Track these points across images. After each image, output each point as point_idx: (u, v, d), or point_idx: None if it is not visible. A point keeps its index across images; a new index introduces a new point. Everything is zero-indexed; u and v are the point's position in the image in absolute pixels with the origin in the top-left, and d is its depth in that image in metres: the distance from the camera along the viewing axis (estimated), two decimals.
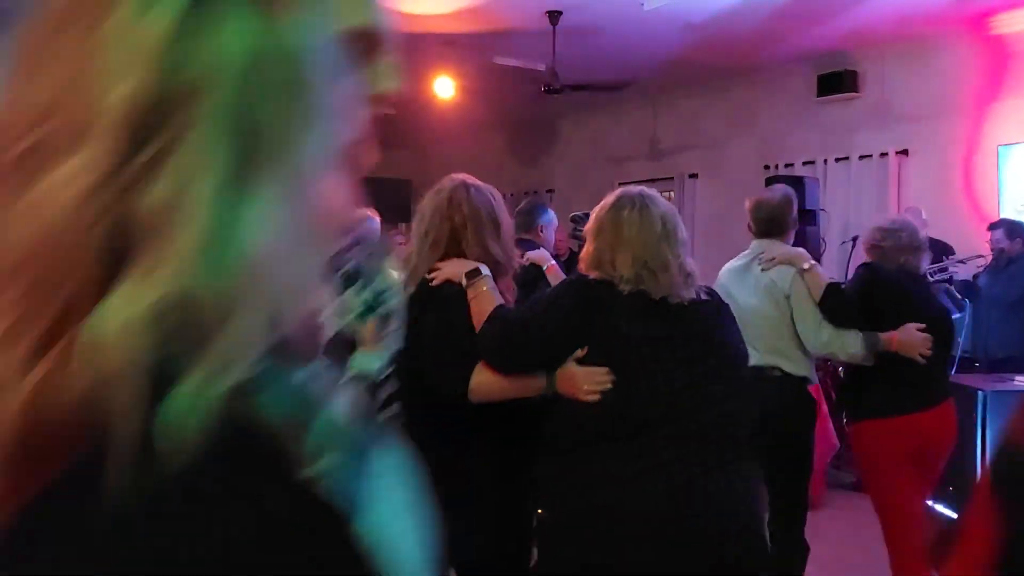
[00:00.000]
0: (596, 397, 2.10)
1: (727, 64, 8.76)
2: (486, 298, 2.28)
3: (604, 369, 2.12)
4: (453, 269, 2.35)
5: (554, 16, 7.01)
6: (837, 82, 8.20)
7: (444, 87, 8.93)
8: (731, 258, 4.28)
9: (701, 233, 9.87)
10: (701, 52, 8.24)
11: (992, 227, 6.13)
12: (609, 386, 2.11)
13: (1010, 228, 6.01)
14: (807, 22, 7.24)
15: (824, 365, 6.81)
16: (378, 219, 4.40)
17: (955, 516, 4.63)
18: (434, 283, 2.34)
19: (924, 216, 6.65)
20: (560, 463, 2.18)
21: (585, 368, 2.15)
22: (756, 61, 8.63)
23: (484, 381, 2.20)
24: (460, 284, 2.32)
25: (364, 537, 0.47)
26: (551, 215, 4.65)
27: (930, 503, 4.92)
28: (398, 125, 12.11)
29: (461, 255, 2.39)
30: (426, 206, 2.47)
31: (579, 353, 2.16)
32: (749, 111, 9.40)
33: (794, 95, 8.84)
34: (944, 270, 6.20)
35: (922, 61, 7.71)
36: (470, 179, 2.48)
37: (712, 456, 2.08)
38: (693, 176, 10.01)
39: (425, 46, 7.94)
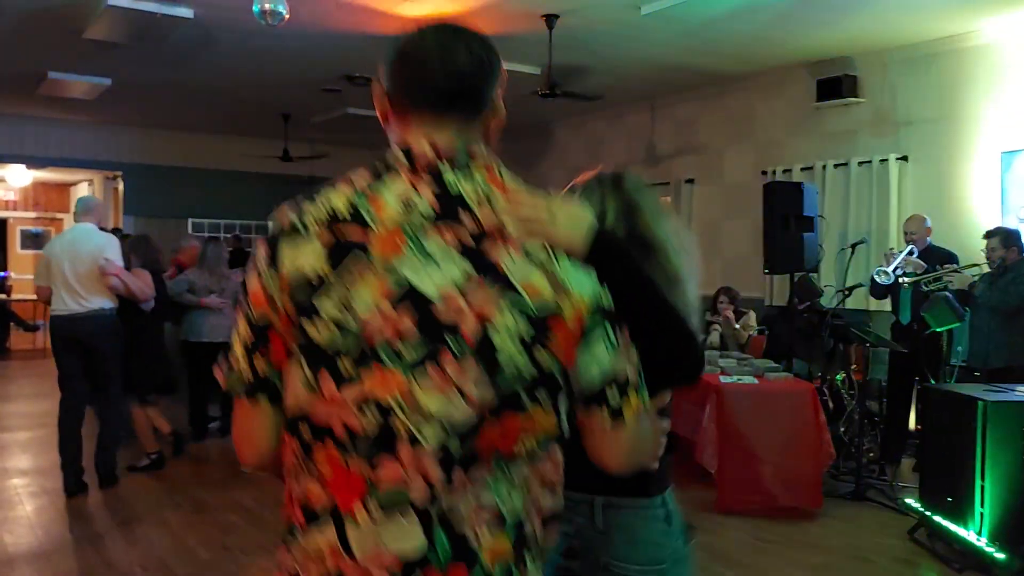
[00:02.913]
0: None
1: (725, 69, 8.72)
2: None
3: None
4: None
5: (551, 20, 6.97)
6: (836, 87, 8.16)
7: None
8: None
9: (697, 238, 9.83)
10: (699, 57, 8.20)
11: (987, 235, 6.08)
12: None
13: (1006, 237, 5.96)
14: (806, 27, 7.20)
15: (823, 375, 6.79)
16: None
17: (957, 529, 4.58)
18: None
19: (928, 224, 6.62)
20: None
21: None
22: (754, 66, 8.59)
23: None
24: None
25: None
26: None
27: (929, 513, 4.88)
28: None
29: None
30: None
31: None
32: (747, 116, 9.36)
33: (793, 100, 8.80)
34: (939, 279, 6.16)
35: (922, 66, 7.68)
36: None
37: None
38: (690, 181, 9.97)
39: None
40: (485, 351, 1.17)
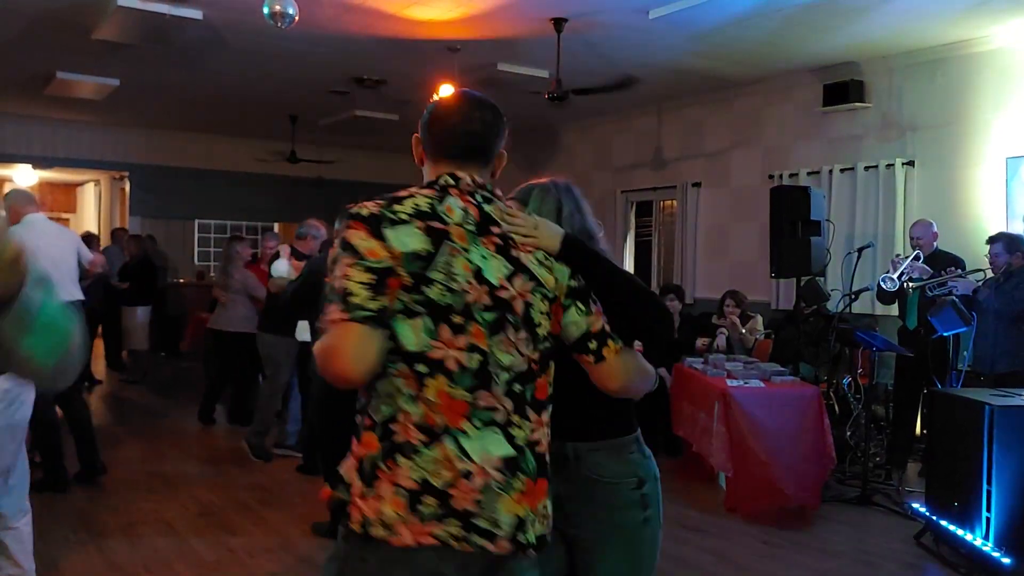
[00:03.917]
0: None
1: (732, 73, 8.73)
2: None
3: None
4: None
5: (559, 24, 6.98)
6: (843, 92, 8.16)
7: (448, 93, 8.90)
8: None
9: (704, 242, 9.85)
10: (706, 61, 8.21)
11: (990, 241, 6.08)
12: None
13: (1009, 242, 5.96)
14: (813, 32, 7.21)
15: (828, 378, 6.78)
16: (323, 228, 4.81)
17: (963, 534, 4.58)
18: None
19: (935, 229, 6.62)
20: None
21: None
22: (762, 70, 8.60)
23: None
24: None
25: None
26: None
27: (935, 517, 4.87)
28: (400, 131, 12.10)
29: None
30: None
31: None
32: (754, 120, 9.36)
33: (799, 105, 8.81)
34: (944, 284, 6.15)
35: (929, 72, 7.68)
36: None
37: None
38: (697, 185, 9.97)
39: (430, 52, 7.92)
40: (528, 322, 1.78)
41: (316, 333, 3.08)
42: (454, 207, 1.75)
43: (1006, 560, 4.28)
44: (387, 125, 11.29)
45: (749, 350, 7.25)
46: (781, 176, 8.83)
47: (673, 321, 2.18)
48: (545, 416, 1.83)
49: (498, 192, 1.89)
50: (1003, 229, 6.54)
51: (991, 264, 6.01)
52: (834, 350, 6.86)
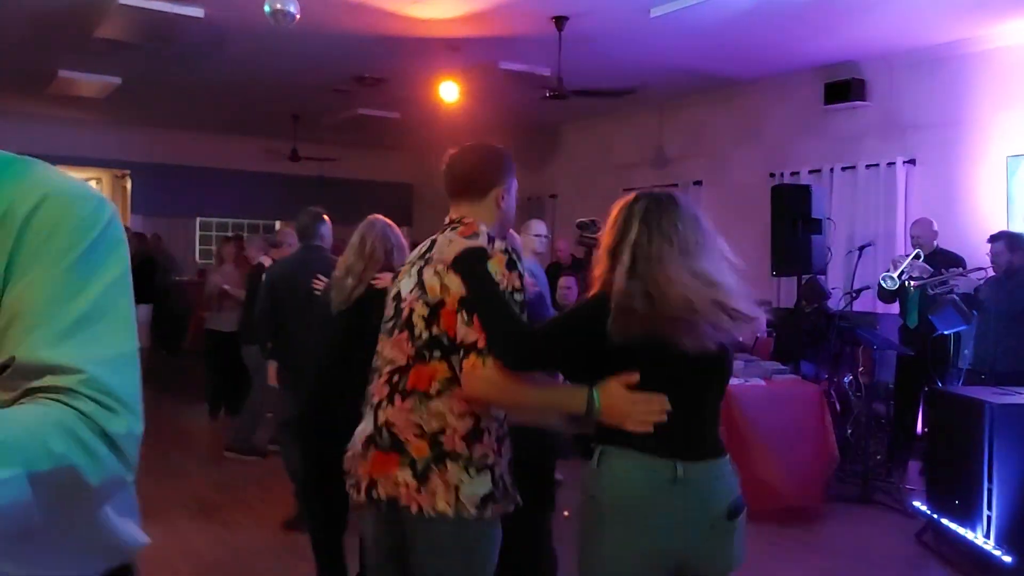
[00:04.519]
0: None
1: (734, 72, 8.73)
2: None
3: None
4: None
5: (560, 22, 6.98)
6: (844, 91, 8.16)
7: (449, 91, 8.91)
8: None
9: None
10: (708, 60, 8.21)
11: (992, 239, 6.08)
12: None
13: (1011, 241, 5.95)
14: (815, 31, 7.21)
15: (831, 376, 6.78)
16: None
17: (964, 532, 4.58)
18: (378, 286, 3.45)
19: (935, 227, 6.62)
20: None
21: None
22: (763, 69, 8.60)
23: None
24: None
25: None
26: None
27: (936, 516, 4.87)
28: (401, 129, 12.11)
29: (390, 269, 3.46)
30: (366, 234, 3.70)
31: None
32: (755, 119, 9.36)
33: (801, 103, 8.80)
34: (944, 283, 6.15)
35: (930, 70, 7.67)
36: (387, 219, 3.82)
37: None
38: (698, 184, 9.97)
39: (431, 50, 7.93)
40: (408, 325, 2.26)
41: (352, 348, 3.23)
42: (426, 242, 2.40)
43: (1007, 558, 4.28)
44: (389, 123, 11.29)
45: (750, 348, 7.25)
46: (782, 175, 8.83)
47: (522, 350, 2.17)
48: (410, 403, 2.22)
49: (466, 221, 2.33)
50: (1004, 228, 6.54)
51: (993, 263, 6.01)
52: (835, 348, 6.87)
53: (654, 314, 2.08)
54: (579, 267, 7.40)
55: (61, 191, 1.06)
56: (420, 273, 2.27)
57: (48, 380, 0.94)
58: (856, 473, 6.15)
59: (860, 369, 7.01)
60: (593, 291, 2.26)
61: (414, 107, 10.47)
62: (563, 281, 6.44)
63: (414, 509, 2.18)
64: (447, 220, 2.37)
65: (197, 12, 6.72)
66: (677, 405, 2.13)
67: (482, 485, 2.19)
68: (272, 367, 5.23)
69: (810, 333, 7.00)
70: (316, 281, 4.37)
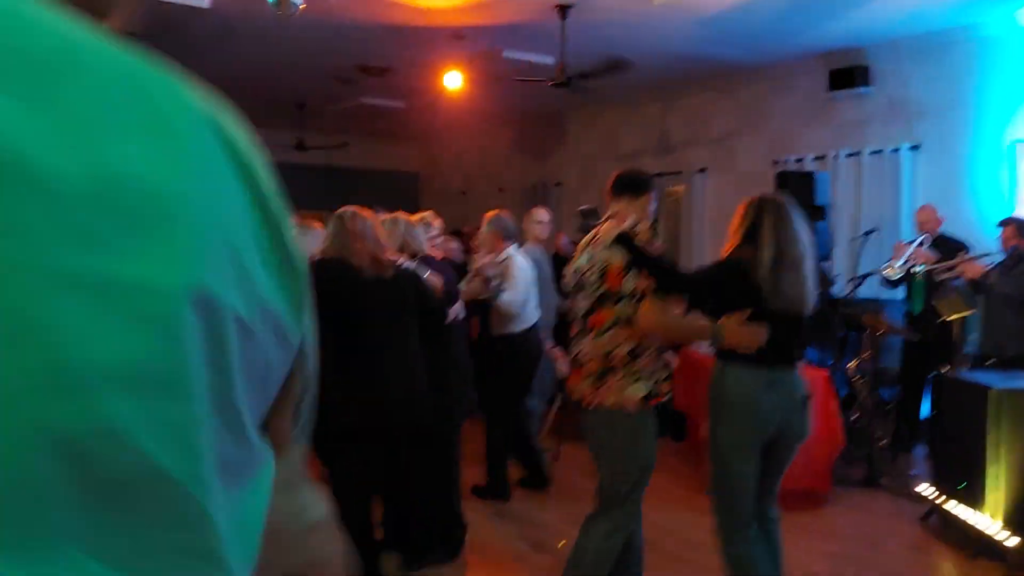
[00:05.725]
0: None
1: (737, 58, 8.72)
2: None
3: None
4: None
5: (563, 10, 6.98)
6: (849, 77, 8.15)
7: (453, 81, 8.92)
8: None
9: (709, 227, 9.85)
10: (711, 46, 8.20)
11: (1002, 224, 6.09)
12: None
13: (1020, 226, 5.96)
14: (819, 16, 7.19)
15: (838, 362, 6.81)
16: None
17: (969, 516, 4.61)
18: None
19: (939, 214, 6.62)
20: None
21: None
22: (767, 55, 8.58)
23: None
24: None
25: None
26: None
27: (942, 499, 4.90)
28: (407, 119, 12.13)
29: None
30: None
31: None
32: (759, 106, 9.35)
33: (805, 90, 8.80)
34: (950, 268, 6.16)
35: (935, 56, 7.66)
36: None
37: None
38: (702, 171, 9.98)
39: (435, 39, 7.93)
40: (588, 285, 3.50)
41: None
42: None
43: (1012, 541, 4.31)
44: (394, 113, 11.30)
45: None
46: (787, 161, 8.83)
47: (680, 284, 3.39)
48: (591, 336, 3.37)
49: (619, 215, 3.49)
50: (1008, 214, 6.54)
51: (1002, 248, 6.02)
52: (840, 334, 6.88)
53: (779, 291, 3.33)
54: None
55: None
56: (592, 250, 3.39)
57: None
58: (862, 458, 6.18)
59: (865, 354, 7.03)
60: (725, 254, 3.47)
61: (419, 96, 10.48)
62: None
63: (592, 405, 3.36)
64: (606, 215, 3.57)
65: (202, 2, 6.73)
66: (772, 335, 3.23)
67: (639, 389, 3.27)
68: None
69: (815, 319, 7.00)
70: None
